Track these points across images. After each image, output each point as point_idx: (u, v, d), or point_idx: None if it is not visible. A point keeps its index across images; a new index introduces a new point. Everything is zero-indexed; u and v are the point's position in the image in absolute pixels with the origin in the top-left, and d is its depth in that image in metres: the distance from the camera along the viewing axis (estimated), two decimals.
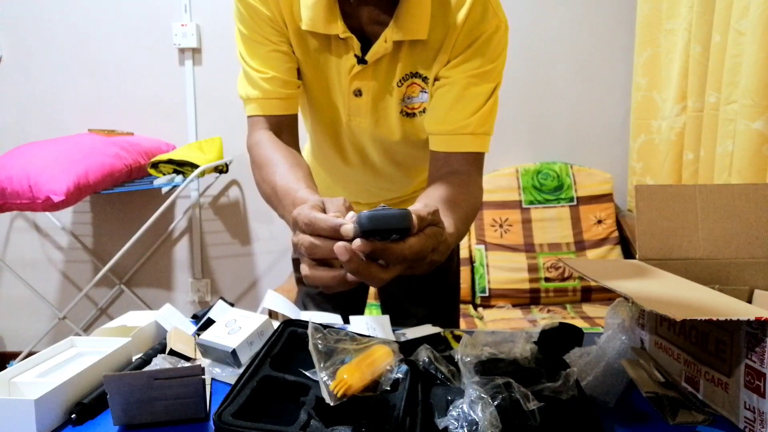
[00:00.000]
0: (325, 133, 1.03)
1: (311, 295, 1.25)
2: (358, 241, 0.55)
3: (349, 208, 0.63)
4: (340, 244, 0.55)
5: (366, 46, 0.87)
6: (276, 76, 0.90)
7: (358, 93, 0.91)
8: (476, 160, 0.91)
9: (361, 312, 1.30)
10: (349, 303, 1.24)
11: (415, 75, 0.90)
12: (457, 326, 1.28)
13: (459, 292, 1.28)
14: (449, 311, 1.24)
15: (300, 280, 1.28)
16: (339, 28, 0.85)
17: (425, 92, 0.91)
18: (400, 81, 0.90)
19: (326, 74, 0.92)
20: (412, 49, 0.88)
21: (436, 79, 0.89)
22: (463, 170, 0.89)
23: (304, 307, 1.25)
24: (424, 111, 0.92)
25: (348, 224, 0.57)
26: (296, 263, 1.28)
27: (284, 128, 0.95)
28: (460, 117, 0.87)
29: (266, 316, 0.86)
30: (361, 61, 0.88)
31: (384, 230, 0.55)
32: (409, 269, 0.61)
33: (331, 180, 1.14)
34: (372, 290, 1.30)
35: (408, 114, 0.93)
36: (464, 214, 0.80)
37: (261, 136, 0.92)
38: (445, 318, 1.20)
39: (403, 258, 0.58)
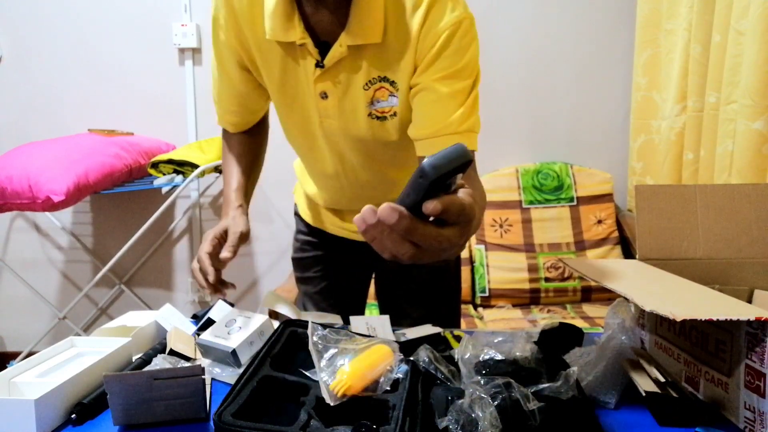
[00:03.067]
0: (303, 141, 1.04)
1: (310, 295, 1.26)
2: (431, 204, 0.46)
3: (242, 238, 0.96)
4: (391, 212, 0.45)
5: (328, 50, 0.89)
6: (229, 110, 1.09)
7: (324, 95, 0.93)
8: None
9: (360, 312, 1.30)
10: (348, 303, 1.24)
11: (383, 79, 0.90)
12: (458, 327, 1.28)
13: (459, 293, 1.28)
14: (449, 312, 1.24)
15: (299, 280, 1.29)
16: (297, 35, 0.87)
17: (394, 96, 0.91)
18: (366, 85, 0.90)
19: (296, 79, 0.94)
20: (374, 53, 0.88)
21: (410, 87, 0.89)
22: None
23: (304, 307, 1.25)
24: (395, 114, 0.92)
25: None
26: (296, 263, 1.28)
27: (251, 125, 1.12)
28: (440, 118, 0.86)
29: (266, 316, 0.86)
30: (319, 65, 0.89)
31: (448, 173, 0.46)
32: (456, 239, 0.51)
33: (318, 186, 1.14)
34: (371, 291, 1.30)
35: (378, 117, 0.93)
36: (480, 207, 0.74)
37: (224, 133, 1.13)
38: (443, 319, 1.20)
39: (462, 208, 0.48)
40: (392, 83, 0.90)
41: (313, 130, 0.99)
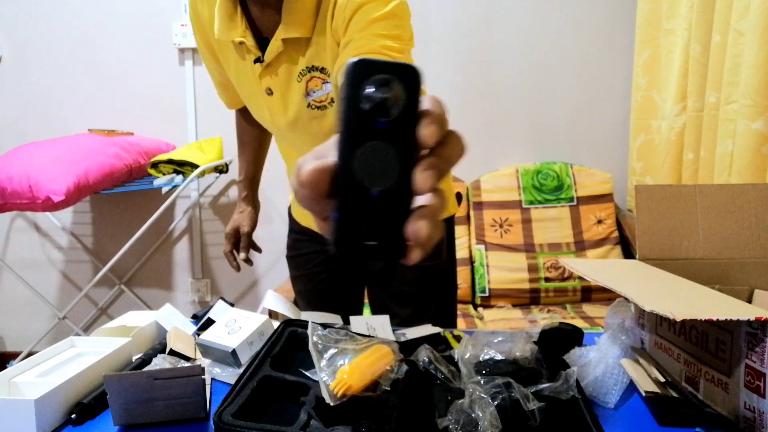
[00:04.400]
0: (273, 132, 1.09)
1: (303, 293, 1.27)
2: (428, 129, 0.32)
3: (249, 235, 1.26)
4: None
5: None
6: (219, 92, 1.18)
7: (269, 92, 0.96)
8: None
9: (358, 312, 1.29)
10: (344, 302, 1.24)
11: (313, 69, 0.92)
12: (455, 327, 1.27)
13: (454, 293, 1.26)
14: (442, 312, 1.20)
15: (293, 279, 1.30)
16: (238, 33, 0.91)
17: (328, 83, 0.93)
18: (298, 76, 0.93)
19: (246, 77, 0.98)
20: (307, 46, 0.91)
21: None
22: None
23: (299, 306, 1.25)
24: (333, 101, 0.94)
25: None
26: (289, 261, 1.29)
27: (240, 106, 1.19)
28: (367, 46, 0.81)
29: (266, 316, 0.86)
30: (259, 60, 0.92)
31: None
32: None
33: None
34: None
35: (318, 107, 0.95)
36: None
37: (235, 114, 1.25)
38: (435, 319, 1.18)
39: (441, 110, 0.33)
40: (322, 70, 0.92)
41: (270, 126, 1.03)
